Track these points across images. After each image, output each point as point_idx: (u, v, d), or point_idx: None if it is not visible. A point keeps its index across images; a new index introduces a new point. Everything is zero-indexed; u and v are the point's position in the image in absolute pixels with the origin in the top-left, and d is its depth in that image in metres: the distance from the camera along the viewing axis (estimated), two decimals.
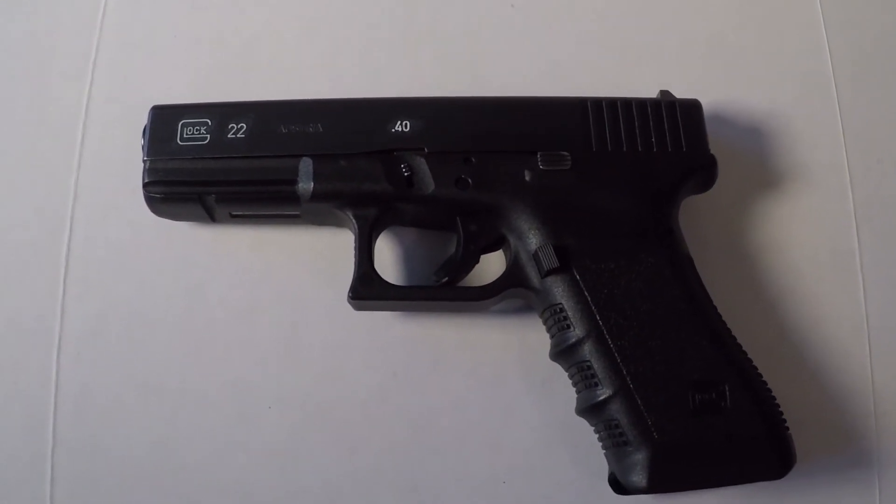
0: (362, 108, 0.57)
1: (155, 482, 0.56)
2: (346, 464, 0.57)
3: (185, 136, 0.55)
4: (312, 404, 0.58)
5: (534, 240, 0.54)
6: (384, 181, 0.55)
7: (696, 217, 0.60)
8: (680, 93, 0.59)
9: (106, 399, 0.58)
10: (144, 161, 0.55)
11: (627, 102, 0.57)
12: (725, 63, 0.66)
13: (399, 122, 0.55)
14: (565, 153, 0.55)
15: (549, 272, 0.53)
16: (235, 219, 0.59)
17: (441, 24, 0.67)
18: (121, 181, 0.61)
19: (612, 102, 0.57)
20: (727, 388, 0.51)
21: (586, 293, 0.53)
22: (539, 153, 0.55)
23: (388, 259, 0.60)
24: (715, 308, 0.54)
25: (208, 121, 0.55)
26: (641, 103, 0.57)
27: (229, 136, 0.55)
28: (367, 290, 0.54)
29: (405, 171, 0.55)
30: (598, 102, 0.57)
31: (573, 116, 0.56)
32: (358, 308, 0.57)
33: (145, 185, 0.55)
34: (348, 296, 0.55)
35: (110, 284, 0.60)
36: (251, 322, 0.59)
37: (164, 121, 0.56)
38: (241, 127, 0.55)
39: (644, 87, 0.60)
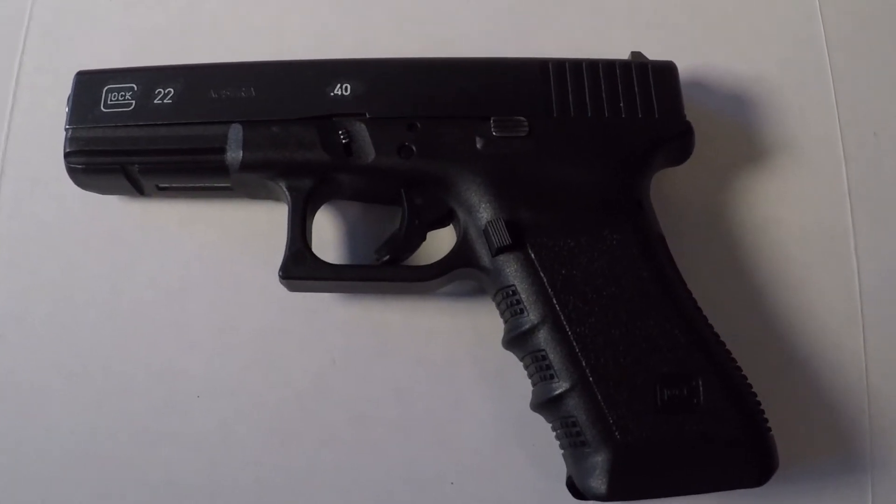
0: (299, 69, 0.51)
1: (78, 473, 0.51)
2: (278, 457, 0.51)
3: (109, 102, 0.50)
4: (244, 393, 0.53)
5: (484, 214, 0.49)
6: (320, 149, 0.49)
7: (670, 192, 0.55)
8: (655, 55, 0.53)
9: (28, 385, 0.53)
10: (66, 129, 0.50)
11: (593, 64, 0.51)
12: (706, 24, 0.60)
13: (339, 86, 0.50)
14: (522, 118, 0.50)
15: (501, 250, 0.48)
16: (164, 191, 0.54)
17: None
18: (48, 154, 0.55)
19: (577, 64, 0.51)
20: (700, 384, 0.45)
21: (542, 274, 0.47)
22: (492, 118, 0.50)
23: (329, 236, 0.55)
24: (689, 293, 0.48)
25: (134, 86, 0.50)
26: (609, 65, 0.51)
27: (156, 101, 0.50)
28: (299, 268, 0.49)
29: (343, 139, 0.49)
30: (560, 64, 0.51)
31: (532, 79, 0.51)
32: (291, 289, 0.51)
33: (66, 156, 0.50)
34: (279, 274, 0.49)
35: (35, 263, 0.55)
36: (181, 304, 0.54)
37: (88, 87, 0.51)
38: (169, 92, 0.50)
39: (616, 50, 0.54)
